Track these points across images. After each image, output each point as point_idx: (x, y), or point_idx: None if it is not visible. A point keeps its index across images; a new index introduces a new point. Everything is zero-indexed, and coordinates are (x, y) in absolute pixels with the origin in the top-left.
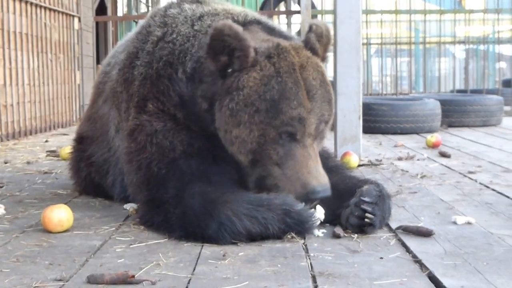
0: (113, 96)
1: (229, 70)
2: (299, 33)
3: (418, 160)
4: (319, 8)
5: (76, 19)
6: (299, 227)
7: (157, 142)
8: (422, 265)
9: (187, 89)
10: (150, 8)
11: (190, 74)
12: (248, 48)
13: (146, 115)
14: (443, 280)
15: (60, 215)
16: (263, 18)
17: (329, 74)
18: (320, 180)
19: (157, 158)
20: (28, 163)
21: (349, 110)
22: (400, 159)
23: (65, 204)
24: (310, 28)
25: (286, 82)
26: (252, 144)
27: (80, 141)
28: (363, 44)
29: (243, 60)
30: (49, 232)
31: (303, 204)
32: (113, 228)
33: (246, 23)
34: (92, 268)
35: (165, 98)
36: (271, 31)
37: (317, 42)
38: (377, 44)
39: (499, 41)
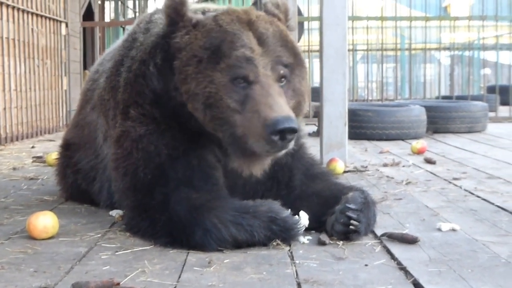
0: (100, 104)
1: (176, 27)
2: None
3: (403, 166)
4: (305, 14)
5: (63, 25)
6: (285, 234)
7: (142, 147)
8: (407, 272)
9: (158, 82)
10: (137, 14)
11: (161, 65)
12: (183, 3)
13: (130, 121)
14: (428, 287)
15: (45, 221)
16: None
17: (316, 81)
18: (281, 112)
19: (143, 163)
20: (14, 169)
21: (335, 116)
22: (385, 165)
23: (50, 210)
24: (265, 2)
25: (227, 30)
26: (204, 95)
27: (67, 147)
28: (349, 50)
29: (172, 15)
30: (34, 239)
31: (289, 211)
32: (99, 235)
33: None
34: (78, 275)
35: (142, 100)
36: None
37: (276, 9)
38: (363, 50)
39: (484, 48)
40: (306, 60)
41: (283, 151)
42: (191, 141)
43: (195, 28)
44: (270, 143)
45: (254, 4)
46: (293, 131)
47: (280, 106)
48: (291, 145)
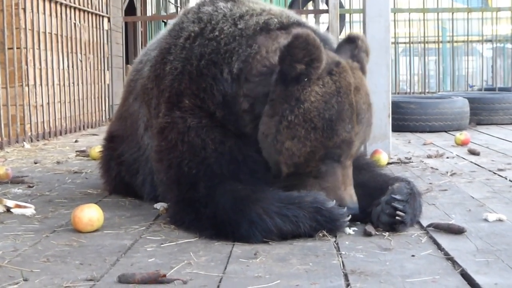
0: (143, 93)
1: (306, 80)
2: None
3: (447, 158)
4: (347, 7)
5: (105, 19)
6: (330, 225)
7: (188, 140)
8: (454, 263)
9: (231, 89)
10: (179, 9)
11: (236, 75)
12: (323, 59)
13: (180, 111)
14: (476, 278)
15: (90, 214)
16: (302, 19)
17: None
18: (354, 199)
19: (188, 157)
20: (58, 163)
21: (378, 108)
22: (429, 157)
23: (95, 203)
24: (355, 43)
25: (344, 104)
26: (300, 159)
27: (111, 139)
28: (391, 43)
29: (317, 70)
30: (79, 231)
31: (334, 201)
32: (144, 228)
33: (290, 25)
34: (123, 267)
35: (206, 95)
36: (317, 36)
37: (365, 59)
38: (404, 43)
39: None
40: None
41: None
42: (239, 139)
43: (316, 81)
44: None
45: (293, 2)
46: (356, 215)
47: (353, 192)
48: None
